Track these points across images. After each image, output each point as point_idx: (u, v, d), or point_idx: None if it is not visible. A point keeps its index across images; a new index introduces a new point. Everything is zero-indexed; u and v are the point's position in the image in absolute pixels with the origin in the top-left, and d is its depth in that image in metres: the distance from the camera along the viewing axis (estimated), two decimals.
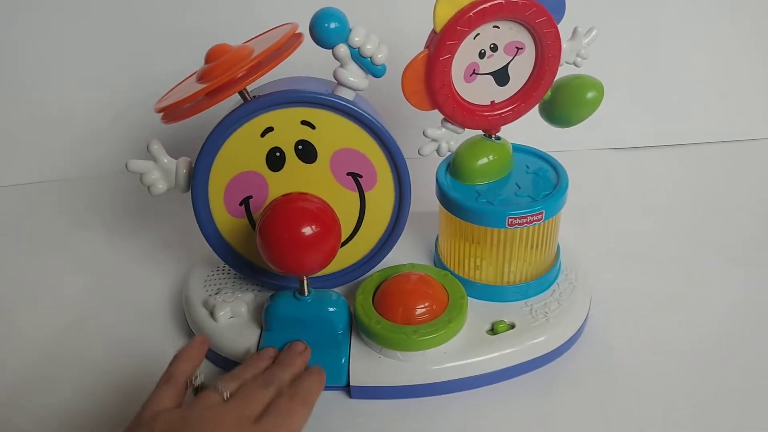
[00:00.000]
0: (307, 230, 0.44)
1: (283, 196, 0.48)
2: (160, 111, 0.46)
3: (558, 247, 0.55)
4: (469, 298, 0.50)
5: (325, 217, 0.46)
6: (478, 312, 0.50)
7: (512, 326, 0.50)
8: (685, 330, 0.53)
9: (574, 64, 0.51)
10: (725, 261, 0.61)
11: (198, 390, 0.41)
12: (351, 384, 0.47)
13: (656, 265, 0.61)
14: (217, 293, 0.53)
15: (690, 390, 0.48)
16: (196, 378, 0.41)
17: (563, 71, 0.50)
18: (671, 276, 0.59)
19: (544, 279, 0.52)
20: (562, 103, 0.50)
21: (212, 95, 0.44)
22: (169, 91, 0.49)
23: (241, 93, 0.46)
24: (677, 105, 0.80)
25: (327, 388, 0.48)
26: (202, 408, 0.38)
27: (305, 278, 0.49)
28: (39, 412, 0.48)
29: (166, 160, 0.48)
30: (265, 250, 0.45)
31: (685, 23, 0.76)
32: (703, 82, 0.79)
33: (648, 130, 0.81)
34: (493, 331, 0.50)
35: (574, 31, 0.50)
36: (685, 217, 0.68)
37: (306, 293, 0.49)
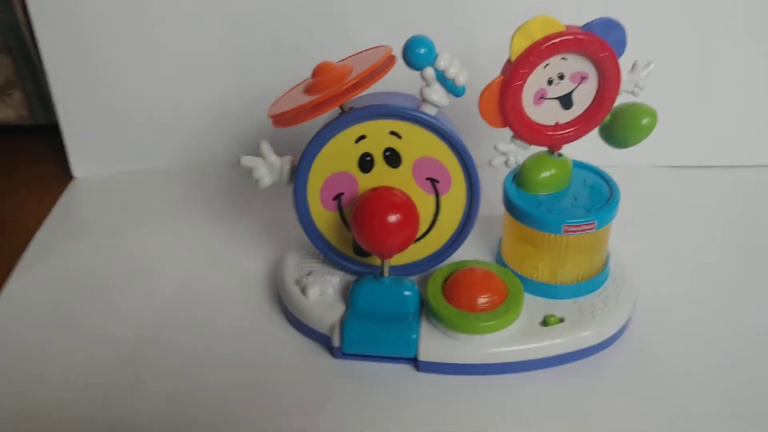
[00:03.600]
0: (392, 217, 0.52)
1: (374, 188, 0.55)
2: (271, 117, 0.53)
3: (608, 254, 0.60)
4: (526, 294, 0.56)
5: (407, 207, 0.54)
6: (532, 306, 0.56)
7: (562, 320, 0.56)
8: (725, 340, 0.57)
9: (632, 93, 0.56)
10: None
11: None
12: (419, 359, 0.54)
13: (703, 278, 0.65)
14: (308, 274, 0.60)
15: (724, 396, 0.52)
16: None
17: (622, 99, 0.56)
18: (717, 289, 0.63)
19: (593, 281, 0.58)
20: (619, 127, 0.56)
21: (317, 107, 0.51)
22: (279, 98, 0.57)
23: (340, 105, 0.54)
24: (732, 127, 0.83)
25: (398, 360, 0.55)
26: None
27: (386, 262, 0.56)
28: (148, 376, 0.56)
29: (273, 158, 0.56)
30: (357, 231, 0.53)
31: (740, 47, 0.79)
32: (757, 106, 0.82)
33: (703, 150, 0.84)
34: (544, 323, 0.56)
35: (634, 64, 0.56)
36: (735, 235, 0.72)
37: (386, 275, 0.56)
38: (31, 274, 0.69)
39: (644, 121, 0.55)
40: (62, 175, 0.88)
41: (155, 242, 0.74)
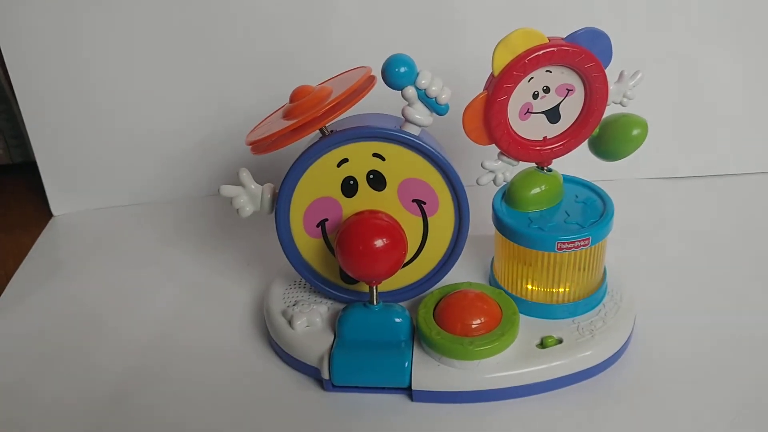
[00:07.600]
0: (379, 242, 0.51)
1: (359, 212, 0.54)
2: (250, 144, 0.52)
3: (605, 270, 0.59)
4: (521, 315, 0.55)
5: (394, 231, 0.52)
6: (528, 327, 0.55)
7: (560, 341, 0.54)
8: (726, 352, 0.56)
9: (621, 104, 0.55)
10: None
11: None
12: (413, 388, 0.52)
13: (701, 290, 0.63)
14: (294, 304, 0.59)
15: (728, 409, 0.51)
16: None
17: (611, 110, 0.55)
18: (715, 301, 0.62)
19: (591, 299, 0.56)
20: (609, 140, 0.54)
21: (296, 132, 0.50)
22: (257, 125, 0.56)
23: (320, 129, 0.52)
24: (722, 137, 0.82)
25: (392, 390, 0.54)
26: None
27: (375, 289, 0.54)
28: (138, 409, 0.55)
29: (253, 186, 0.54)
30: (343, 258, 0.51)
31: (728, 53, 0.79)
32: (747, 114, 0.81)
33: (696, 160, 0.83)
34: (542, 344, 0.54)
35: (621, 74, 0.54)
36: (731, 245, 0.70)
37: (375, 302, 0.55)
38: (8, 317, 0.67)
39: (635, 132, 0.54)
40: (41, 213, 0.86)
41: (138, 277, 0.72)
